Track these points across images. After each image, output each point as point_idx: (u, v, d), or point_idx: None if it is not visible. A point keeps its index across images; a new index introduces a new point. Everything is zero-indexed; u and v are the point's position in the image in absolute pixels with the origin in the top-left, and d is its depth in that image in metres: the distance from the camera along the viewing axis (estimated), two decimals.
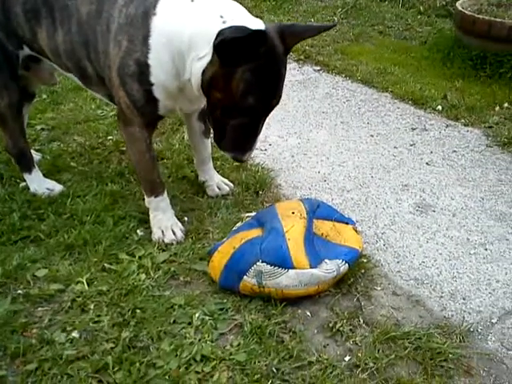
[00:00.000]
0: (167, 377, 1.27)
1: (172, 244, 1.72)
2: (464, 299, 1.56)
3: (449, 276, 1.66)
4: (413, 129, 2.63)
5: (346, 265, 1.55)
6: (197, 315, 1.44)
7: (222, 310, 1.47)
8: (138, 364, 1.29)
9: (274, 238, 1.51)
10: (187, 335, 1.38)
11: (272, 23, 1.47)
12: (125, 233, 1.77)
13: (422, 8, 4.73)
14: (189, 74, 1.47)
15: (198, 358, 1.31)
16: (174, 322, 1.42)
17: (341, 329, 1.43)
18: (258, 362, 1.31)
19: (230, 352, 1.34)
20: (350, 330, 1.44)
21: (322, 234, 1.63)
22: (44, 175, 2.04)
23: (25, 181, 2.01)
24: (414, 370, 1.32)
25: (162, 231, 1.74)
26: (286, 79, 1.49)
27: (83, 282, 1.55)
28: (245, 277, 1.48)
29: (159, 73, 1.50)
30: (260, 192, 2.04)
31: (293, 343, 1.37)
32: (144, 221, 1.83)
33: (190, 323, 1.42)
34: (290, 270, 1.46)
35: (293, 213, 1.60)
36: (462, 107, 2.79)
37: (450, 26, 4.08)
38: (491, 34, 3.20)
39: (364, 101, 2.94)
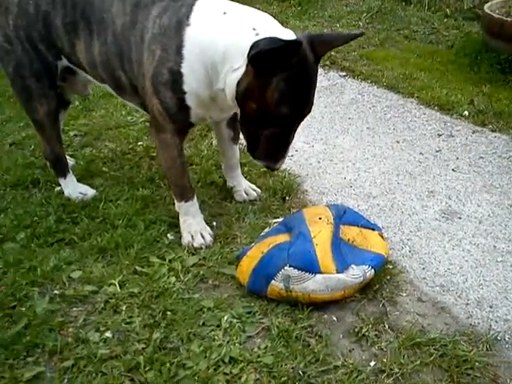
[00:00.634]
0: (196, 377, 1.31)
1: (201, 248, 1.77)
2: (491, 307, 1.56)
3: (475, 283, 1.66)
4: (439, 135, 2.63)
5: (372, 270, 1.57)
6: (225, 318, 1.48)
7: (249, 313, 1.50)
8: (168, 364, 1.34)
9: (302, 243, 1.54)
10: (216, 337, 1.42)
11: (302, 33, 1.51)
12: (155, 237, 1.82)
13: (448, 11, 4.69)
14: (222, 85, 1.51)
15: (227, 359, 1.35)
16: (203, 324, 1.46)
17: (366, 334, 1.45)
18: (285, 364, 1.34)
19: (257, 354, 1.37)
20: (376, 335, 1.45)
21: (349, 240, 1.65)
22: (77, 180, 2.11)
23: (60, 185, 2.09)
24: (439, 377, 1.33)
25: (192, 235, 1.79)
26: None
27: (115, 284, 1.60)
28: (272, 281, 1.51)
29: (192, 81, 1.54)
30: (287, 198, 2.07)
31: (319, 347, 1.40)
32: (174, 225, 1.88)
33: (218, 326, 1.46)
34: (317, 275, 1.48)
35: (320, 218, 1.63)
36: (489, 113, 2.77)
37: (477, 29, 4.04)
38: None
39: (390, 107, 2.94)
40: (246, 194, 2.07)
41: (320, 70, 3.45)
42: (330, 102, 3.02)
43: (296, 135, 1.59)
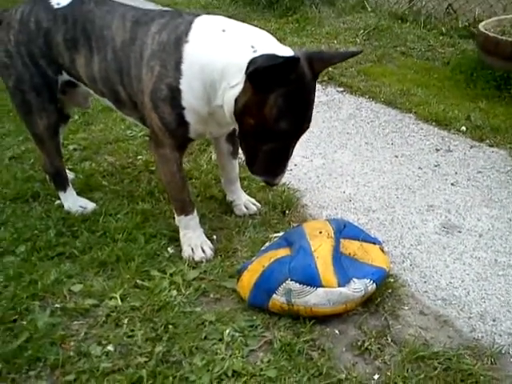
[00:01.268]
0: None
1: (202, 262, 1.77)
2: (494, 321, 1.56)
3: (477, 297, 1.66)
4: (437, 149, 2.65)
5: (374, 284, 1.57)
6: (227, 331, 1.47)
7: (251, 326, 1.50)
8: (171, 378, 1.33)
9: (303, 257, 1.54)
10: (218, 351, 1.41)
11: (300, 50, 1.53)
12: (156, 250, 1.82)
13: (443, 29, 4.76)
14: (220, 101, 1.53)
15: (230, 373, 1.34)
16: (206, 337, 1.46)
17: (369, 347, 1.45)
18: (288, 378, 1.33)
19: (260, 368, 1.36)
20: (379, 348, 1.45)
21: (350, 254, 1.65)
22: (77, 194, 2.11)
23: (59, 199, 2.08)
24: None
25: (192, 249, 1.79)
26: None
27: (117, 298, 1.60)
28: (274, 295, 1.51)
29: (190, 98, 1.56)
30: (286, 212, 2.08)
31: (322, 361, 1.39)
32: (174, 239, 1.88)
33: (220, 339, 1.45)
34: (318, 289, 1.48)
35: (320, 232, 1.63)
36: (486, 128, 2.80)
37: (472, 46, 4.10)
38: None
39: (388, 122, 2.97)
40: (246, 208, 2.07)
41: (318, 86, 3.49)
42: (328, 117, 3.04)
43: (295, 150, 1.61)
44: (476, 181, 2.35)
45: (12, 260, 1.76)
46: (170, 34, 1.57)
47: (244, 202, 2.08)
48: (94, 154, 2.60)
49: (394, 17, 5.14)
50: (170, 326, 1.49)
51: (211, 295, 1.64)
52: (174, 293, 1.62)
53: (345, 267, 1.58)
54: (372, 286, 1.56)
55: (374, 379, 1.35)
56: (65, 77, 1.89)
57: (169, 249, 1.84)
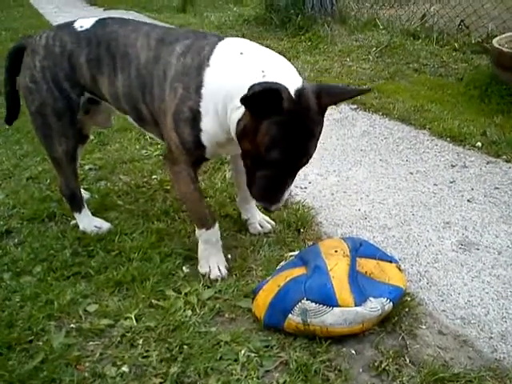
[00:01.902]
0: None
1: (217, 280, 1.76)
2: None
3: (498, 316, 1.62)
4: (452, 166, 2.63)
5: (391, 303, 1.54)
6: (242, 352, 1.45)
7: (267, 347, 1.48)
8: None
9: (319, 276, 1.52)
10: (233, 372, 1.40)
11: (313, 83, 1.52)
12: (171, 270, 1.82)
13: (456, 45, 4.76)
14: (230, 122, 1.55)
15: None
16: (221, 358, 1.44)
17: (387, 368, 1.42)
18: None
19: None
20: (396, 369, 1.42)
21: (366, 272, 1.62)
22: (92, 213, 2.13)
23: (75, 219, 2.10)
24: None
25: (209, 266, 1.79)
26: (324, 119, 1.53)
27: (132, 318, 1.59)
28: (290, 315, 1.49)
29: (209, 120, 1.59)
30: (301, 230, 2.07)
31: (338, 381, 1.37)
32: (189, 258, 1.88)
33: (236, 360, 1.43)
34: (334, 308, 1.47)
35: (336, 251, 1.62)
36: (502, 143, 2.78)
37: (486, 62, 4.09)
38: None
39: (402, 138, 2.96)
40: (261, 227, 2.07)
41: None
42: (341, 135, 3.04)
43: (309, 167, 1.62)
44: (493, 197, 2.32)
45: (29, 280, 1.77)
46: (193, 58, 1.60)
47: (259, 220, 2.08)
48: (110, 174, 2.63)
49: (407, 34, 5.17)
50: (185, 347, 1.48)
51: (226, 315, 1.63)
52: (189, 313, 1.61)
53: (361, 286, 1.56)
54: (389, 305, 1.54)
55: None
56: (87, 96, 1.91)
57: (184, 268, 1.84)
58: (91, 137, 2.94)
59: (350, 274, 1.55)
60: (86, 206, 2.10)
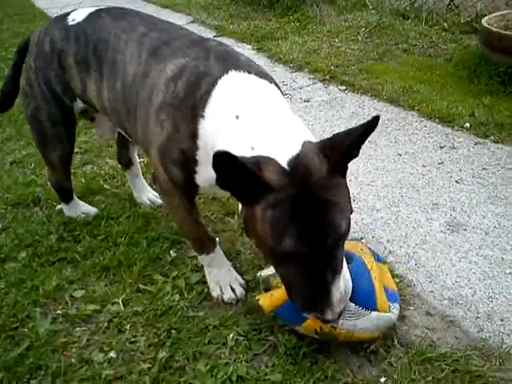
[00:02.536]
0: None
1: (231, 303, 1.60)
2: (502, 320, 1.53)
3: (484, 296, 1.63)
4: (441, 147, 2.62)
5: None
6: (231, 336, 1.45)
7: (255, 330, 1.48)
8: None
9: (361, 275, 1.33)
10: (222, 355, 1.40)
11: (318, 141, 1.19)
12: (158, 254, 1.80)
13: (446, 25, 4.72)
14: None
15: (234, 378, 1.32)
16: (209, 342, 1.44)
17: (375, 349, 1.42)
18: (294, 382, 1.32)
19: (264, 372, 1.34)
20: (385, 350, 1.43)
21: (375, 278, 1.43)
22: (79, 197, 2.10)
23: (61, 204, 2.07)
24: None
25: (221, 288, 1.62)
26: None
27: (119, 303, 1.58)
28: None
29: (207, 166, 1.26)
30: None
31: (327, 364, 1.37)
32: (176, 242, 1.86)
33: (224, 344, 1.43)
34: (372, 313, 1.34)
35: (362, 249, 1.45)
36: (490, 124, 2.77)
37: (475, 42, 4.06)
38: None
39: (391, 120, 2.94)
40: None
41: (320, 85, 3.51)
42: (330, 116, 3.01)
43: None
44: (481, 178, 2.32)
45: (13, 266, 1.75)
46: (186, 92, 1.31)
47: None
48: (96, 158, 2.60)
49: (396, 14, 5.11)
50: (173, 331, 1.47)
51: (214, 299, 1.62)
52: (177, 297, 1.61)
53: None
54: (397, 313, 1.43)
55: (380, 382, 1.33)
56: (80, 104, 1.75)
57: (171, 252, 1.83)
58: None
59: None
60: (75, 197, 2.06)
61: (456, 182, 2.31)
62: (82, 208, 2.05)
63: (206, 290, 1.64)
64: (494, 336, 1.48)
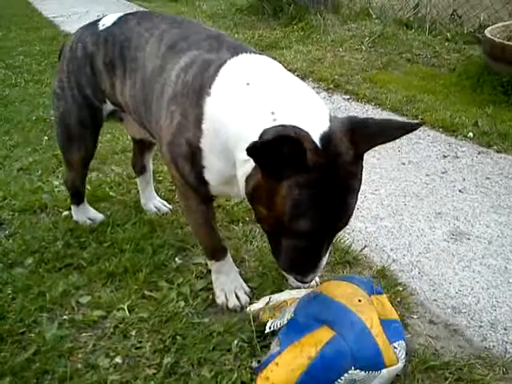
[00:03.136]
0: None
1: (236, 311, 1.60)
2: (505, 329, 1.54)
3: (488, 305, 1.64)
4: (444, 156, 2.64)
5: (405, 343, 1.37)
6: (235, 342, 1.45)
7: (259, 337, 1.48)
8: None
9: (361, 338, 1.26)
10: (227, 362, 1.40)
11: (342, 119, 1.12)
12: (164, 261, 1.81)
13: (449, 35, 4.76)
14: (237, 176, 1.24)
15: None
16: (214, 348, 1.44)
17: None
18: None
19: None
20: None
21: (378, 313, 1.36)
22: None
23: (67, 209, 2.09)
24: None
25: (226, 295, 1.62)
26: None
27: (124, 309, 1.59)
28: None
29: (213, 158, 1.29)
30: None
31: None
32: (182, 249, 1.88)
33: (229, 350, 1.44)
34: (383, 371, 1.26)
35: (360, 300, 1.34)
36: (493, 134, 2.79)
37: (478, 52, 4.09)
38: None
39: None
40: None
41: (324, 94, 3.53)
42: None
43: None
44: (484, 187, 2.34)
45: (20, 272, 1.76)
46: (196, 76, 1.29)
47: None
48: (101, 165, 2.62)
49: (399, 23, 5.16)
50: (178, 337, 1.48)
51: (219, 306, 1.63)
52: (182, 303, 1.61)
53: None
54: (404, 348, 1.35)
55: None
56: (109, 106, 1.76)
57: (176, 259, 1.84)
58: None
59: (382, 325, 1.32)
60: (85, 201, 2.07)
61: (459, 191, 2.32)
62: (90, 213, 2.07)
63: (210, 296, 1.65)
64: (498, 345, 1.49)
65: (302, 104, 1.14)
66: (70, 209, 2.08)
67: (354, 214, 2.07)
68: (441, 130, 2.93)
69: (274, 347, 1.31)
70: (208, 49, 1.35)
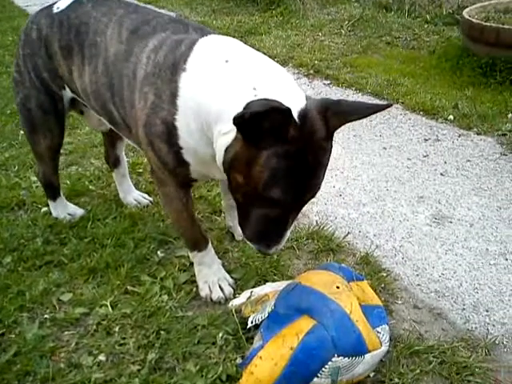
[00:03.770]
0: None
1: (220, 303, 1.60)
2: (487, 311, 1.56)
3: (470, 288, 1.65)
4: (425, 140, 2.64)
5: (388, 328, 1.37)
6: (220, 335, 1.45)
7: (244, 329, 1.47)
8: None
9: (342, 324, 1.25)
10: (212, 355, 1.39)
11: (316, 99, 1.21)
12: (145, 254, 1.79)
13: (428, 17, 4.76)
14: (215, 148, 1.27)
15: (224, 377, 1.32)
16: (199, 342, 1.44)
17: None
18: None
19: None
20: None
21: (358, 299, 1.36)
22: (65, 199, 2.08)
23: (46, 206, 2.05)
24: None
25: (209, 286, 1.62)
26: None
27: (107, 305, 1.57)
28: (316, 379, 1.22)
29: (188, 138, 1.31)
30: None
31: None
32: (164, 242, 1.86)
33: (213, 343, 1.43)
34: (365, 356, 1.26)
35: (338, 287, 1.35)
36: (473, 116, 2.80)
37: (457, 34, 4.10)
38: (500, 41, 3.22)
39: None
40: None
41: (304, 79, 3.51)
42: None
43: None
44: (465, 170, 2.35)
45: None
46: (167, 55, 1.32)
47: None
48: (80, 158, 2.57)
49: (378, 6, 5.14)
50: (162, 332, 1.47)
51: (203, 298, 1.62)
52: (165, 297, 1.60)
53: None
54: (388, 331, 1.37)
55: (369, 377, 1.33)
56: (68, 93, 1.74)
57: (158, 252, 1.82)
58: None
59: (362, 310, 1.32)
60: (61, 195, 2.04)
61: (441, 174, 2.33)
62: (69, 209, 2.03)
63: (194, 289, 1.64)
64: (480, 327, 1.50)
65: (279, 82, 1.20)
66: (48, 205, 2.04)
67: (336, 200, 2.07)
68: (421, 113, 2.93)
69: (257, 341, 1.31)
70: (174, 31, 1.40)
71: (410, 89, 3.22)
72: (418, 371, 1.34)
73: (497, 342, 1.44)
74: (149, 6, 2.02)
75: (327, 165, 1.22)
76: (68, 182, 2.30)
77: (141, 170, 2.39)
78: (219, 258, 1.77)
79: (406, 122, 2.83)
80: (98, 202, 2.14)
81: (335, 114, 1.15)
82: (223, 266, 1.71)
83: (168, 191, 1.50)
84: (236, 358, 1.38)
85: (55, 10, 1.67)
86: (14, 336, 1.46)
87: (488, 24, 3.30)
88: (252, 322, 1.39)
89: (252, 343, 1.38)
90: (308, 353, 1.21)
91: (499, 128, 2.66)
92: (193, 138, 1.31)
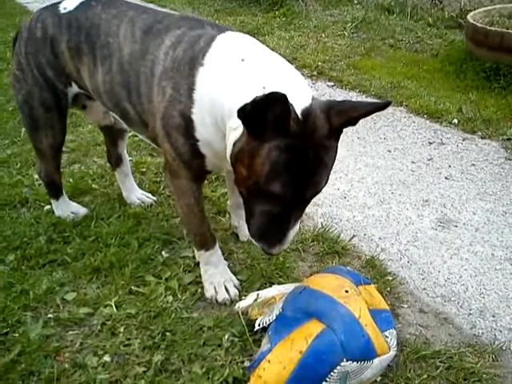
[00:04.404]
0: None
1: (225, 304, 1.59)
2: (494, 316, 1.55)
3: (476, 292, 1.65)
4: (430, 143, 2.64)
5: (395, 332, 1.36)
6: (226, 337, 1.44)
7: (250, 331, 1.47)
8: None
9: (351, 329, 1.25)
10: (218, 357, 1.38)
11: (323, 100, 1.24)
12: (150, 255, 1.78)
13: (430, 20, 4.76)
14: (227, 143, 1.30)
15: (230, 380, 1.31)
16: (204, 344, 1.42)
17: None
18: None
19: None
20: None
21: (366, 303, 1.35)
22: (67, 198, 2.06)
23: (49, 204, 2.04)
24: None
25: (215, 288, 1.61)
26: None
27: (112, 305, 1.55)
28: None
29: (203, 131, 1.35)
30: None
31: None
32: (168, 242, 1.84)
33: (219, 345, 1.42)
34: (374, 360, 1.25)
35: (346, 291, 1.33)
36: (478, 120, 2.80)
37: (460, 37, 4.10)
38: (504, 45, 3.22)
39: (379, 116, 2.95)
40: None
41: (308, 81, 3.49)
42: None
43: None
44: (470, 174, 2.34)
45: (1, 270, 1.71)
46: (186, 50, 1.36)
47: None
48: (83, 157, 2.56)
49: (381, 8, 5.14)
50: (168, 333, 1.45)
51: (208, 299, 1.60)
52: (170, 298, 1.59)
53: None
54: (395, 335, 1.36)
55: (376, 381, 1.32)
56: (75, 89, 1.74)
57: (163, 252, 1.80)
58: None
59: (371, 315, 1.31)
60: (64, 194, 2.02)
61: (445, 178, 2.32)
62: (72, 207, 2.02)
63: (199, 290, 1.63)
64: (487, 332, 1.50)
65: (289, 81, 1.24)
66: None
67: (340, 203, 2.06)
68: (425, 116, 2.93)
69: (265, 345, 1.30)
70: (190, 27, 1.43)
71: (413, 92, 3.22)
72: (425, 376, 1.33)
73: (504, 348, 1.43)
74: (150, 6, 2.01)
75: (331, 165, 1.23)
76: (71, 181, 2.29)
77: (144, 169, 2.37)
78: (225, 259, 1.76)
79: (410, 125, 2.83)
80: (101, 201, 2.12)
81: (337, 112, 1.19)
82: (228, 267, 1.70)
83: (181, 184, 1.51)
84: (243, 361, 1.37)
85: (62, 10, 1.66)
86: (17, 335, 1.44)
87: (492, 28, 3.31)
88: (259, 325, 1.38)
89: (259, 345, 1.37)
90: (317, 357, 1.20)
91: (504, 132, 2.66)
92: (208, 131, 1.34)
